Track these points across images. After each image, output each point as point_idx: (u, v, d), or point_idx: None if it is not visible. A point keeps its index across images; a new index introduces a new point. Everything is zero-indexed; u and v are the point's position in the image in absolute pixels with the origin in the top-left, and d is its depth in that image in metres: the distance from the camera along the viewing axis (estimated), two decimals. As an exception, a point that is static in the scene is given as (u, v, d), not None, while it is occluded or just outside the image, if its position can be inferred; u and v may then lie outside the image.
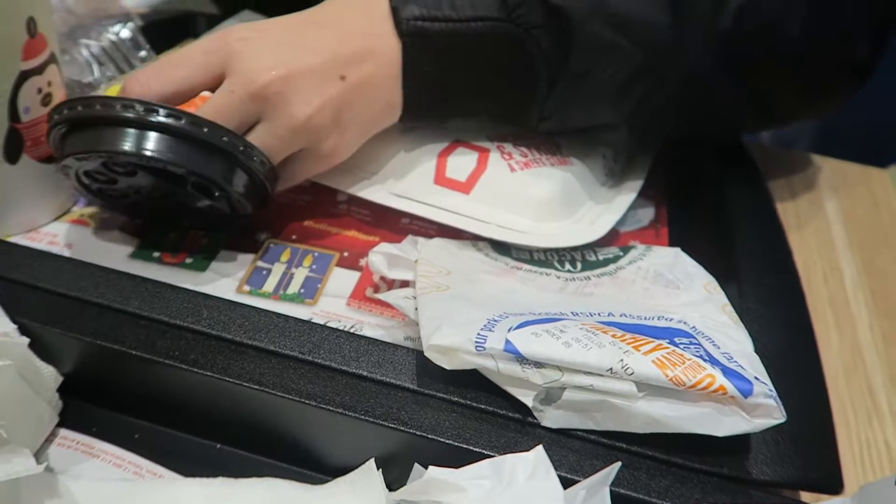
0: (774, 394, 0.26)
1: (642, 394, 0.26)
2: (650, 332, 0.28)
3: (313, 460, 0.30)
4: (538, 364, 0.27)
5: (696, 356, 0.26)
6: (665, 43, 0.36)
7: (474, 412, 0.28)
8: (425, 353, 0.28)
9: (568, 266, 0.37)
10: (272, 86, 0.33)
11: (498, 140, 0.41)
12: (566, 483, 0.24)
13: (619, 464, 0.24)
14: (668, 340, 0.27)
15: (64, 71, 0.38)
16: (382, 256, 0.34)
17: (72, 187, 0.36)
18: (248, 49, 0.34)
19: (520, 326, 0.27)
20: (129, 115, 0.31)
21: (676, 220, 0.43)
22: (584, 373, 0.26)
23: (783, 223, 0.43)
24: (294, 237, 0.40)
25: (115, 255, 0.37)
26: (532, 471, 0.24)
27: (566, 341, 0.26)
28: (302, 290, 0.36)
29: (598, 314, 0.31)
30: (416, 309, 0.31)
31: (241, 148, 0.33)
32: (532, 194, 0.39)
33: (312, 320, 0.32)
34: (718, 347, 0.28)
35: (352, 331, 0.32)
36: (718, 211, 0.42)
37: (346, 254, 0.39)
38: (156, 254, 0.38)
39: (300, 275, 0.37)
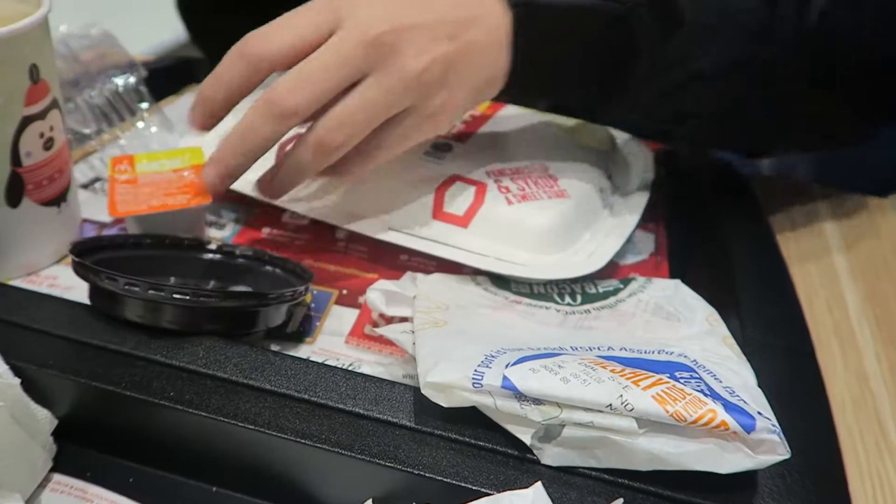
0: (778, 429, 0.25)
1: (643, 430, 0.25)
2: (650, 367, 0.28)
3: (311, 501, 0.29)
4: (536, 400, 0.26)
5: (697, 391, 0.26)
6: (761, 34, 0.37)
7: (473, 449, 0.27)
8: (422, 391, 0.27)
9: (568, 299, 0.37)
10: (385, 36, 0.33)
11: (495, 175, 0.41)
12: (567, 522, 0.24)
13: (621, 500, 0.24)
14: (668, 375, 0.27)
15: (66, 119, 0.39)
16: (381, 293, 0.34)
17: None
18: (362, 1, 0.34)
19: (517, 362, 0.27)
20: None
21: (676, 252, 0.43)
22: (583, 409, 0.26)
23: (784, 253, 0.43)
24: (293, 275, 0.40)
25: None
26: (531, 509, 0.24)
27: (564, 377, 0.26)
28: (301, 329, 0.36)
29: (598, 348, 0.30)
30: (414, 344, 0.30)
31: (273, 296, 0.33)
32: (530, 227, 0.39)
33: (311, 358, 0.32)
34: (720, 381, 0.28)
35: (351, 368, 0.32)
36: (718, 242, 0.42)
37: (345, 291, 0.39)
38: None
39: (299, 313, 0.37)
